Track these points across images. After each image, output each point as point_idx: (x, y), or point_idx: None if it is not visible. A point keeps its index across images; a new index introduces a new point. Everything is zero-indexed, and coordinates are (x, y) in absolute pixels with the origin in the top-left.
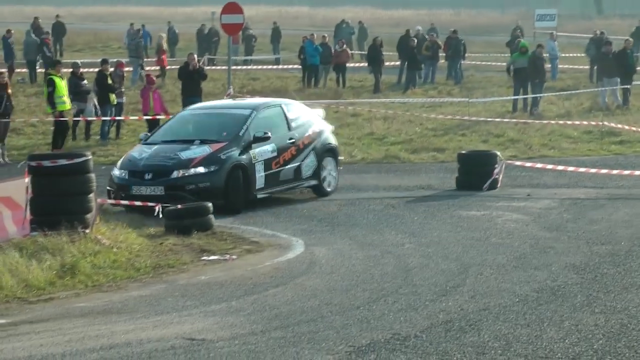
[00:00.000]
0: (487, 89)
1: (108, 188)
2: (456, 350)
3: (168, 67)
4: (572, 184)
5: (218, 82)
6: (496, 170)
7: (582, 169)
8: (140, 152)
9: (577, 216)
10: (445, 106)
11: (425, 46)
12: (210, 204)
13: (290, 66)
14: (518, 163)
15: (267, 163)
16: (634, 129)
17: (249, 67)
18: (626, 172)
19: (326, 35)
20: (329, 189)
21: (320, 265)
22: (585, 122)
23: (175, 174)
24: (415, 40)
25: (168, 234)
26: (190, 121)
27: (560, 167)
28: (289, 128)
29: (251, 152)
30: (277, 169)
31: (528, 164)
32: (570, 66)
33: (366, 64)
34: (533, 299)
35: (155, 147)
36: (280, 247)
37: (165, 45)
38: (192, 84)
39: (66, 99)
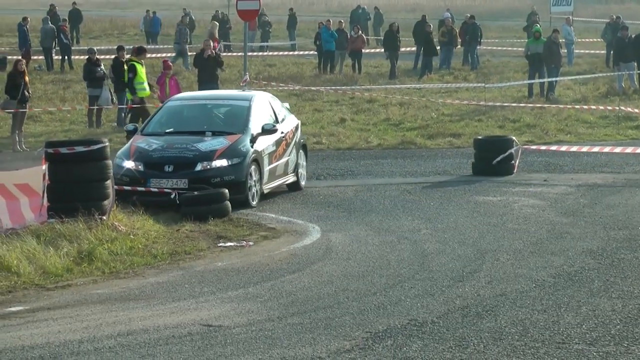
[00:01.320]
0: (503, 74)
1: (121, 177)
2: (473, 335)
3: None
4: (588, 169)
5: (234, 68)
6: (511, 151)
7: (596, 148)
8: (147, 143)
9: (594, 201)
10: (461, 92)
11: (441, 32)
12: (226, 191)
13: (306, 52)
14: (534, 147)
15: (270, 157)
16: None
17: (265, 53)
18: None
19: (342, 21)
20: (302, 183)
21: (337, 252)
22: (601, 107)
23: (199, 167)
24: (432, 26)
25: (184, 221)
26: (184, 112)
27: (574, 149)
28: (277, 121)
29: (259, 144)
30: (275, 163)
31: (543, 147)
32: (587, 51)
33: (382, 50)
34: (550, 285)
35: (164, 137)
36: (297, 233)
37: (216, 34)
38: (208, 71)
39: (146, 85)
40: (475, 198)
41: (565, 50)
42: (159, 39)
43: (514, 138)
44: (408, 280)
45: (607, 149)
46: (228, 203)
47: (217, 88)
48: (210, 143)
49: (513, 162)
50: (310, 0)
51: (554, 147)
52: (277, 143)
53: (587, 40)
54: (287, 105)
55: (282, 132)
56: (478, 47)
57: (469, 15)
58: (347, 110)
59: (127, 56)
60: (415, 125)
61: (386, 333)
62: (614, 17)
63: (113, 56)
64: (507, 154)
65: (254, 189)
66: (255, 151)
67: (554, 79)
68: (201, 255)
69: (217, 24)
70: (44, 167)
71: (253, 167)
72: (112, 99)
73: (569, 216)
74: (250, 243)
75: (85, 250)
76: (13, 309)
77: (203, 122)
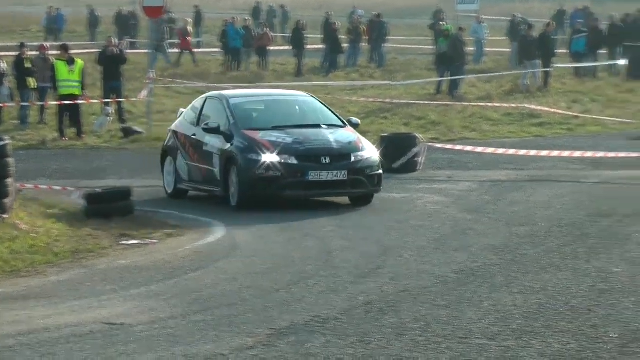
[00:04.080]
0: (409, 72)
1: (265, 171)
2: (376, 331)
3: (88, 51)
4: (492, 166)
5: (139, 65)
6: (413, 151)
7: (500, 150)
8: (276, 137)
9: (497, 198)
10: (367, 89)
11: (347, 29)
12: (130, 188)
13: (212, 50)
14: (439, 145)
15: None
16: (553, 110)
17: (171, 50)
18: (544, 152)
19: (248, 18)
20: None
21: (241, 249)
22: (505, 105)
23: (353, 157)
24: (338, 24)
25: (88, 219)
26: (263, 108)
27: (479, 149)
28: None
29: None
30: None
31: (448, 146)
32: (492, 49)
33: (289, 47)
34: (452, 280)
35: (288, 130)
36: (201, 231)
37: (190, 30)
38: (112, 69)
39: (71, 83)
40: (380, 195)
41: (473, 49)
42: (62, 35)
43: (418, 135)
44: (312, 277)
45: (512, 151)
46: (132, 201)
47: (120, 85)
48: (342, 135)
49: (417, 159)
50: None
51: (458, 147)
52: None
53: (492, 38)
54: None
55: None
56: (384, 45)
57: (375, 13)
58: None
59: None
60: None
61: (289, 330)
62: (518, 16)
63: (15, 53)
64: (406, 157)
65: None
66: None
67: (458, 77)
68: (104, 254)
69: (190, 20)
70: None
71: None
72: (11, 96)
73: (472, 213)
74: (154, 241)
75: None
76: None
77: (298, 116)
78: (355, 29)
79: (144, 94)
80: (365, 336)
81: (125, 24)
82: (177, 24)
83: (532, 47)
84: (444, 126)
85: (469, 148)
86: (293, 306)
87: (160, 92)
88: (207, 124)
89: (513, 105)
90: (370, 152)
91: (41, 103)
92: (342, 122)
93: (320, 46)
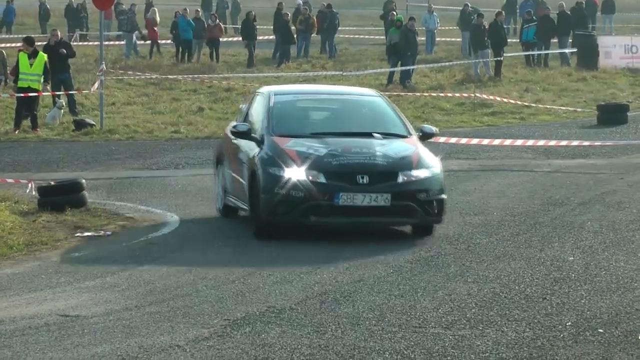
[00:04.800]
0: (361, 62)
1: (288, 192)
2: (331, 321)
3: (39, 44)
4: (445, 156)
5: (90, 57)
6: None
7: (453, 140)
8: (308, 147)
9: (451, 187)
10: (319, 80)
11: (298, 20)
12: (83, 181)
13: (164, 41)
14: None
15: None
16: (505, 100)
17: (122, 42)
18: (496, 142)
19: (199, 10)
20: None
21: (195, 240)
22: (457, 94)
23: (401, 178)
24: (289, 15)
25: (41, 211)
26: (311, 109)
27: (431, 139)
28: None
29: None
30: None
31: None
32: (443, 39)
33: (240, 39)
34: (407, 270)
35: (329, 139)
36: (155, 222)
37: (157, 19)
38: (58, 61)
39: (30, 76)
40: None
41: (425, 38)
42: (13, 28)
43: None
44: (267, 268)
45: (464, 141)
46: (85, 193)
47: (69, 78)
48: (395, 148)
49: None
50: None
51: None
52: None
53: (443, 28)
54: None
55: None
56: (335, 36)
57: (325, 3)
58: (205, 99)
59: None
60: None
61: (244, 320)
62: (469, 5)
63: None
64: None
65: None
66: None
67: (410, 67)
68: (58, 246)
69: (156, 9)
70: None
71: None
72: None
73: None
74: (108, 233)
75: None
76: None
77: (349, 120)
78: (306, 20)
79: (96, 86)
80: (321, 326)
81: (75, 16)
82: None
83: (482, 36)
84: None
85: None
86: (248, 297)
87: (111, 84)
88: (235, 126)
89: (465, 94)
90: (430, 171)
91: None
92: (408, 130)
93: (272, 37)
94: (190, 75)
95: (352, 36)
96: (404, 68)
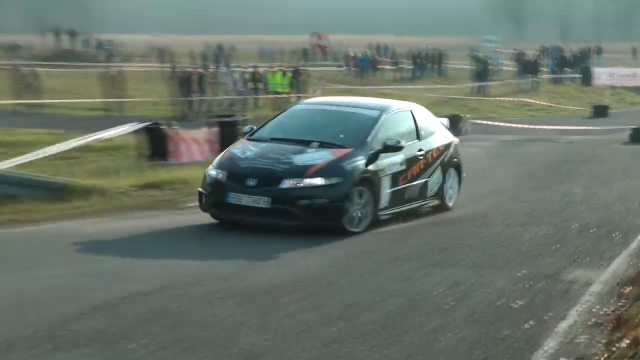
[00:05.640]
0: (459, 80)
1: (200, 190)
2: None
3: None
4: (505, 133)
5: None
6: (460, 124)
7: (510, 124)
8: (243, 149)
9: (507, 150)
10: (435, 91)
11: (418, 56)
12: None
13: None
14: (476, 121)
15: (395, 178)
16: (540, 102)
17: None
18: (534, 125)
19: None
20: (450, 204)
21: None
22: (514, 99)
23: (286, 184)
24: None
25: None
26: (304, 117)
27: (497, 122)
28: (419, 137)
29: (379, 163)
30: (404, 185)
31: (481, 121)
32: (505, 68)
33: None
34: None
35: (263, 145)
36: None
37: None
38: None
39: None
40: None
41: (495, 68)
42: None
43: (463, 115)
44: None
45: (515, 125)
46: None
47: None
48: (310, 156)
49: (463, 128)
50: None
51: (487, 122)
52: (411, 162)
53: (505, 61)
54: (444, 120)
55: (420, 150)
56: (443, 65)
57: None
58: None
59: None
60: None
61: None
62: (520, 51)
63: None
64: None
65: (356, 214)
66: (368, 171)
67: (487, 83)
68: None
69: None
70: None
71: (359, 189)
72: None
73: (495, 157)
74: None
75: None
76: None
77: (315, 130)
78: (424, 57)
79: None
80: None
81: None
82: None
83: (527, 66)
84: (479, 110)
85: (492, 122)
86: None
87: None
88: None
89: (517, 99)
90: (329, 180)
91: None
92: (361, 142)
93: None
94: None
95: (452, 66)
96: (482, 84)
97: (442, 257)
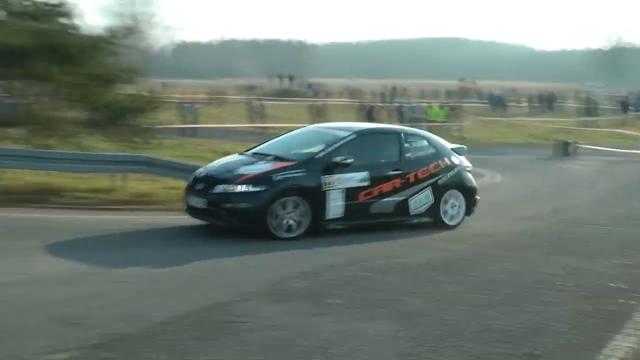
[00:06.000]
0: (573, 116)
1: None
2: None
3: None
4: (609, 155)
5: None
6: (568, 148)
7: (611, 148)
8: (221, 160)
9: (610, 167)
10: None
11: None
12: None
13: None
14: (584, 146)
15: (352, 192)
16: (633, 133)
17: None
18: (632, 150)
19: None
20: (450, 223)
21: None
22: (608, 130)
23: (219, 189)
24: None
25: None
26: (297, 136)
27: (602, 147)
28: (400, 158)
29: (327, 177)
30: (366, 200)
31: (588, 146)
32: (609, 107)
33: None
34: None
35: (238, 157)
36: None
37: None
38: None
39: None
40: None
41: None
42: None
43: (570, 141)
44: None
45: (612, 149)
46: None
47: None
48: (253, 167)
49: (571, 151)
50: None
51: (593, 147)
52: (380, 180)
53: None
54: (460, 146)
55: (396, 170)
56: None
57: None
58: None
59: None
60: None
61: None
62: (621, 95)
63: None
64: (566, 151)
65: (287, 222)
66: (306, 182)
67: (595, 118)
68: None
69: None
70: None
71: (294, 199)
72: None
73: (597, 173)
74: None
75: None
76: None
77: (290, 147)
78: (540, 97)
79: None
80: None
81: None
82: None
83: (622, 105)
84: (584, 137)
85: (596, 147)
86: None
87: None
88: None
89: (612, 130)
90: (252, 187)
91: None
92: (309, 159)
93: None
94: None
95: (570, 106)
96: (592, 118)
97: (556, 247)
